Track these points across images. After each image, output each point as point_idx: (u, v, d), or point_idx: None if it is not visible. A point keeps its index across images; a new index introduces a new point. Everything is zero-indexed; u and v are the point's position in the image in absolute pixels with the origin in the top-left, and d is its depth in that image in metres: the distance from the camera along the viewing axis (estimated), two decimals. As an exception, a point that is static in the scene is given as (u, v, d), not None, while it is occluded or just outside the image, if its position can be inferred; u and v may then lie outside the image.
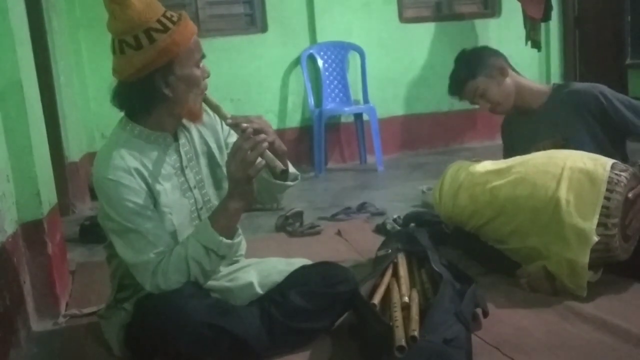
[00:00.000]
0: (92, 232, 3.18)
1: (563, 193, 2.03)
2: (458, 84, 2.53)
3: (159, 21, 1.63)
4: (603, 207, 1.99)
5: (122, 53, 1.65)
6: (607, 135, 2.40)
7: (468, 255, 2.48)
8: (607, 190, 1.99)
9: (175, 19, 1.67)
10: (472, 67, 2.49)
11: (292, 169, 1.84)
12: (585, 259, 1.98)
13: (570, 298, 2.03)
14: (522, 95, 2.52)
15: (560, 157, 2.15)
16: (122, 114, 1.79)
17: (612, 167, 2.04)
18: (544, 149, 2.39)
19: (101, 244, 1.92)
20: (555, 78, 5.81)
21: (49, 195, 2.36)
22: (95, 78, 4.67)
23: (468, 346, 1.65)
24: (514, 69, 2.55)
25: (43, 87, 2.75)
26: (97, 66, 4.65)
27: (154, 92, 1.67)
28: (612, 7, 5.52)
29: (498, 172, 2.25)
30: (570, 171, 2.06)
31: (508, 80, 2.50)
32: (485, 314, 1.91)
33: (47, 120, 2.65)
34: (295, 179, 1.88)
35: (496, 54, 2.55)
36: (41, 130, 2.43)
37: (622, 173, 2.03)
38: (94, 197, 3.97)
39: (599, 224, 1.98)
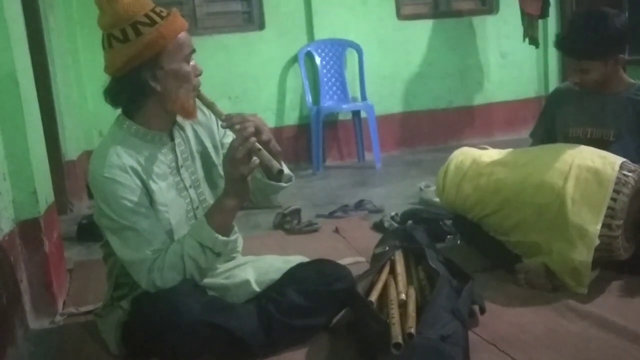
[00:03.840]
0: (89, 231, 3.18)
1: (569, 191, 2.01)
2: (574, 53, 2.30)
3: (146, 15, 1.64)
4: (609, 208, 1.98)
5: (110, 47, 1.67)
6: None
7: (468, 243, 2.47)
8: (614, 191, 1.98)
9: (164, 14, 1.68)
10: (600, 48, 2.25)
11: (286, 170, 1.84)
12: (588, 258, 1.97)
13: (568, 295, 2.03)
14: (608, 83, 2.34)
15: (568, 153, 2.12)
16: (118, 112, 1.80)
17: (621, 167, 2.01)
18: (590, 135, 2.34)
19: (98, 242, 1.92)
20: (553, 75, 5.80)
21: (46, 194, 2.36)
22: (93, 76, 4.64)
23: (465, 343, 1.66)
24: None
25: (40, 86, 2.75)
26: (94, 64, 4.59)
27: (142, 86, 1.68)
28: (610, 3, 5.51)
29: (504, 164, 2.22)
30: (578, 169, 2.04)
31: (612, 70, 2.31)
32: (482, 310, 1.91)
33: (44, 119, 2.65)
34: (289, 180, 1.88)
35: (626, 40, 2.31)
36: (38, 128, 2.43)
37: (630, 174, 2.01)
38: (91, 195, 3.95)
39: (603, 225, 1.98)
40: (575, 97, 2.45)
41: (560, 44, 2.36)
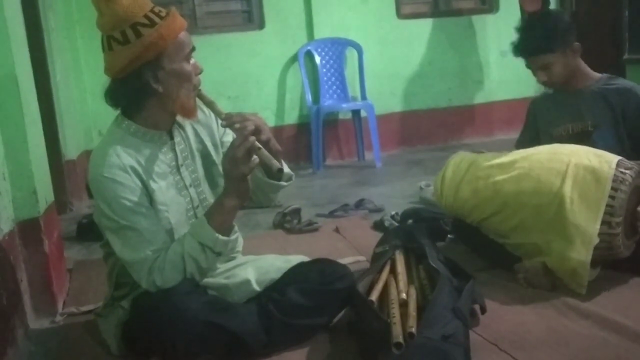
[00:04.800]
0: (89, 230, 3.17)
1: (567, 191, 2.01)
2: (536, 50, 2.39)
3: (145, 16, 1.63)
4: (607, 205, 1.98)
5: (110, 49, 1.66)
6: (630, 138, 2.37)
7: (468, 246, 2.48)
8: (612, 188, 1.98)
9: (163, 14, 1.67)
10: (555, 38, 2.36)
11: (286, 168, 1.84)
12: (587, 258, 1.97)
13: (569, 294, 2.02)
14: (575, 76, 2.45)
15: (565, 152, 2.13)
16: (118, 111, 1.79)
17: (618, 164, 2.02)
18: (572, 131, 2.41)
19: (99, 242, 1.92)
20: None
21: (45, 194, 2.35)
22: (92, 76, 4.65)
23: (466, 342, 1.65)
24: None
25: (40, 85, 2.75)
26: (94, 64, 4.62)
27: (143, 87, 1.68)
28: (610, 2, 5.51)
29: (501, 166, 2.23)
30: (576, 168, 2.04)
31: (574, 62, 2.42)
32: (483, 310, 1.91)
33: (44, 118, 2.65)
34: (289, 179, 1.88)
35: (575, 31, 2.43)
36: (38, 128, 2.43)
37: (627, 171, 2.01)
38: (91, 195, 3.96)
39: (603, 223, 1.98)
40: (552, 101, 2.55)
41: (517, 49, 2.46)
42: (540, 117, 2.60)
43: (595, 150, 2.12)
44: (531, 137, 2.61)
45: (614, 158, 2.05)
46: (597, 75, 2.49)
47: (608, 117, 2.38)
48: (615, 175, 1.99)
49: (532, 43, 2.40)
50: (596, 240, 1.97)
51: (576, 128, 2.43)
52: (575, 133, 2.43)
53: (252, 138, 1.63)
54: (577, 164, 2.05)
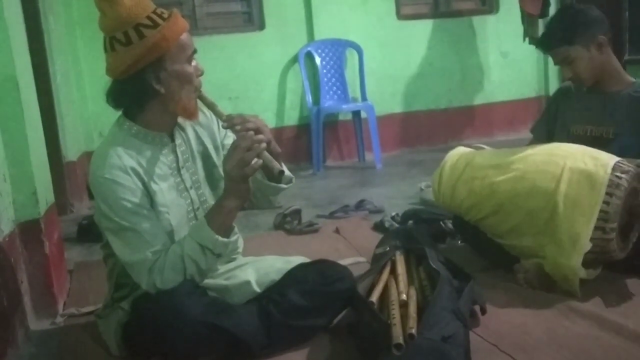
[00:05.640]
0: (90, 232, 3.18)
1: (561, 195, 2.00)
2: (552, 43, 2.35)
3: (148, 17, 1.64)
4: (602, 211, 1.96)
5: (113, 50, 1.66)
6: None
7: (469, 244, 2.47)
8: (607, 194, 1.95)
9: (165, 15, 1.67)
10: (573, 31, 2.29)
11: (286, 171, 1.84)
12: (577, 264, 1.97)
13: (568, 295, 2.02)
14: (604, 76, 2.34)
15: (561, 155, 2.10)
16: (119, 113, 1.80)
17: (614, 168, 1.98)
18: (590, 133, 2.35)
19: (99, 243, 1.92)
20: (554, 74, 5.79)
21: (46, 195, 2.36)
22: (93, 77, 4.65)
23: (466, 343, 1.65)
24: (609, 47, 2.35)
25: (40, 86, 2.75)
26: (94, 65, 4.61)
27: (145, 88, 1.68)
28: (610, 3, 5.51)
29: (498, 167, 2.21)
30: (570, 172, 2.02)
31: (602, 57, 2.31)
32: (483, 311, 1.91)
33: (45, 120, 2.65)
34: (289, 181, 1.88)
35: (602, 24, 2.32)
36: (38, 129, 2.43)
37: (623, 175, 1.98)
38: (91, 196, 3.96)
39: (597, 228, 1.96)
40: (578, 96, 2.46)
41: (537, 43, 2.47)
42: (562, 108, 2.51)
43: (592, 152, 2.09)
44: (548, 125, 2.55)
45: (611, 160, 2.01)
46: (631, 80, 2.37)
47: (633, 125, 2.28)
48: (610, 180, 1.96)
49: (549, 36, 2.37)
50: (588, 247, 1.95)
51: (596, 132, 2.35)
52: (593, 136, 2.35)
53: (264, 145, 1.64)
54: (572, 168, 2.03)
